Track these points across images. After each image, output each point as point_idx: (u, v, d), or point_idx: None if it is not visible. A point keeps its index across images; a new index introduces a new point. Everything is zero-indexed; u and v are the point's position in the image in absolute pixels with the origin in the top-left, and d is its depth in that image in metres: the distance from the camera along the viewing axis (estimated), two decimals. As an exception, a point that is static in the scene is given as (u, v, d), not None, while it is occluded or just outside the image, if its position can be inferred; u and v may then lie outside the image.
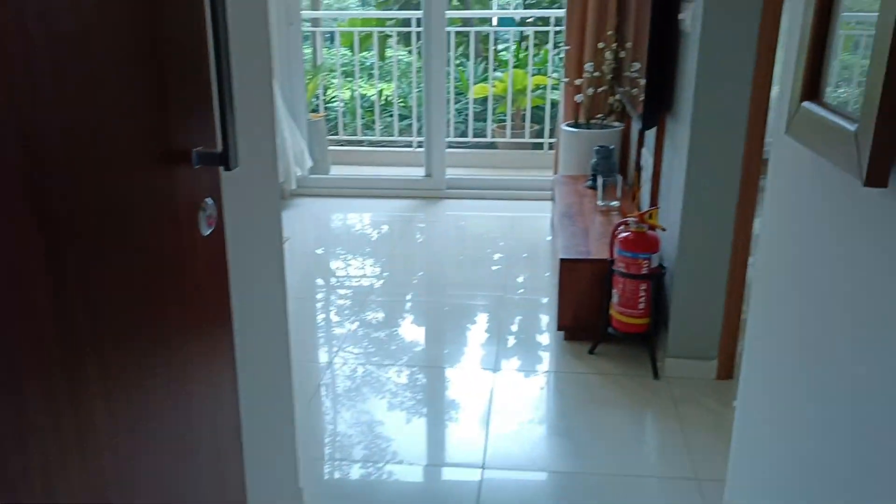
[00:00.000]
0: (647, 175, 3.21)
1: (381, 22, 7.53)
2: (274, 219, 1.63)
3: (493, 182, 5.02)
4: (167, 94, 1.03)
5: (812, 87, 1.27)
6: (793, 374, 1.41)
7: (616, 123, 4.23)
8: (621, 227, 2.70)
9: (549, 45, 5.88)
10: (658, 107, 2.87)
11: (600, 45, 4.09)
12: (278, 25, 4.74)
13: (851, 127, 1.05)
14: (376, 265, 3.95)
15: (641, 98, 3.13)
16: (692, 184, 2.50)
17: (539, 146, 5.97)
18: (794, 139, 1.32)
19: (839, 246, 1.22)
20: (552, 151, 5.79)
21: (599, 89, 4.14)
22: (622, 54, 3.94)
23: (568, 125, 4.25)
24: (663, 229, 2.63)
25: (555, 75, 6.02)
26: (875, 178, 1.00)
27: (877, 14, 1.00)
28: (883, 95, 0.97)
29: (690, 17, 2.53)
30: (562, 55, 6.18)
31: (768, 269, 1.59)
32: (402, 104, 6.78)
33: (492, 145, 6.13)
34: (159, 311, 1.02)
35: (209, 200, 1.10)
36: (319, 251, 4.17)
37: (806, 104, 1.27)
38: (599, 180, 3.43)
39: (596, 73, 4.11)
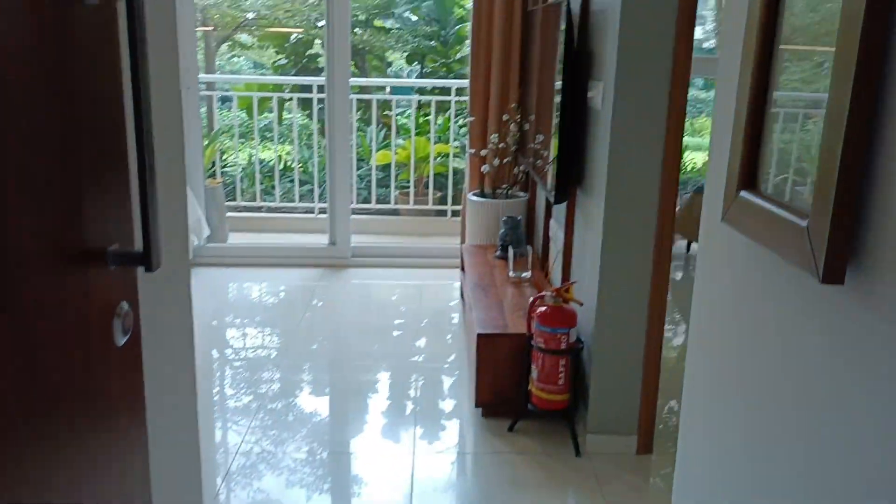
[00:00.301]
0: (557, 247, 3.23)
1: (278, 87, 7.44)
2: (186, 317, 1.50)
3: (399, 249, 4.95)
4: (79, 184, 0.90)
5: (749, 174, 1.28)
6: (734, 469, 1.38)
7: (521, 193, 4.28)
8: (538, 301, 2.67)
9: (451, 114, 5.96)
10: (569, 182, 2.90)
11: (504, 117, 4.16)
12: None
13: (802, 222, 1.05)
14: (275, 336, 3.76)
15: (548, 170, 3.17)
16: (608, 258, 2.52)
17: (443, 213, 5.98)
18: (732, 227, 1.33)
19: (783, 337, 1.21)
20: (456, 219, 5.81)
21: (504, 160, 4.19)
22: (526, 126, 4.02)
23: (474, 195, 4.26)
24: (580, 304, 2.63)
25: (455, 143, 6.09)
26: (832, 275, 0.99)
27: (824, 96, 1.00)
28: (838, 189, 0.97)
29: (600, 96, 2.58)
30: (464, 124, 6.29)
31: (702, 358, 1.58)
32: (302, 169, 6.66)
33: (395, 212, 6.09)
34: (65, 439, 0.88)
35: (125, 305, 0.97)
36: (214, 322, 3.94)
37: (745, 194, 1.27)
38: (510, 252, 3.43)
39: (501, 144, 4.16)
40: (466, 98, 6.04)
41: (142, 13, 0.98)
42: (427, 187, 6.13)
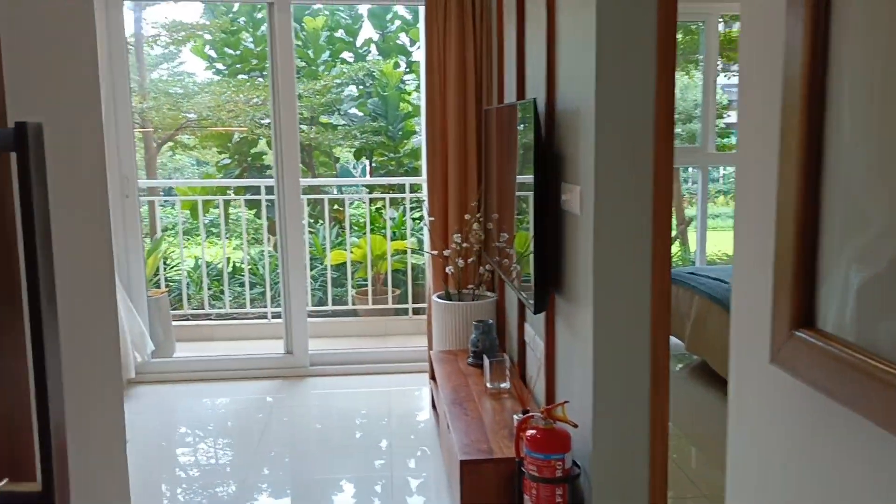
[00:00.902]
0: (538, 356, 3.03)
1: (222, 190, 7.22)
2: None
3: (361, 355, 4.68)
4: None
5: (805, 308, 1.10)
6: None
7: (489, 293, 4.09)
8: (526, 423, 2.44)
9: (406, 209, 5.81)
10: (546, 290, 2.73)
11: (466, 216, 4.01)
12: (112, 199, 4.30)
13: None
14: (228, 457, 3.42)
15: (514, 270, 3.00)
16: (602, 373, 2.32)
17: (404, 311, 5.75)
18: (786, 372, 1.14)
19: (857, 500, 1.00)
20: (418, 317, 5.58)
21: (469, 260, 4.02)
22: (489, 226, 3.87)
23: (439, 297, 4.06)
24: (574, 425, 2.41)
25: (412, 240, 5.92)
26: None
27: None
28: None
29: (577, 200, 2.44)
30: (418, 218, 6.18)
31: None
32: (251, 270, 6.39)
33: (354, 312, 5.83)
34: None
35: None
36: (163, 443, 3.57)
37: (802, 333, 1.09)
38: (486, 362, 3.20)
39: (464, 244, 4.00)
40: (421, 194, 5.95)
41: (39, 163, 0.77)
42: (385, 285, 5.90)
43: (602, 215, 2.28)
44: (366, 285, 5.96)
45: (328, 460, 3.47)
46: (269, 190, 5.02)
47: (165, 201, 7.48)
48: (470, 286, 4.06)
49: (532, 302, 2.70)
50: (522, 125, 2.94)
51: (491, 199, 3.88)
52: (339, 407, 4.11)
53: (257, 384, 4.45)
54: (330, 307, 5.66)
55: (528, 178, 2.79)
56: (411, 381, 4.47)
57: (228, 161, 8.53)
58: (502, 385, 3.18)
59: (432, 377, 3.89)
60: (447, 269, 4.02)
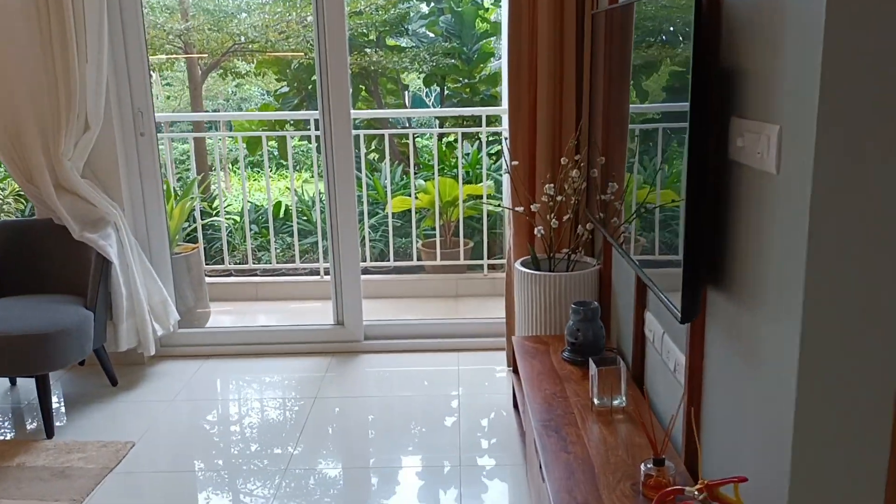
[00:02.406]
0: (667, 364, 2.10)
1: (272, 124, 6.37)
2: None
3: (426, 328, 3.83)
4: None
5: None
6: None
7: (589, 260, 3.15)
8: (673, 498, 1.55)
9: (482, 148, 4.86)
10: (699, 283, 1.78)
11: (563, 160, 3.04)
12: (122, 138, 3.51)
13: None
14: (263, 462, 2.66)
15: (643, 240, 2.07)
16: (807, 434, 1.39)
17: (477, 268, 4.87)
18: None
19: None
20: (494, 275, 4.70)
21: (564, 217, 3.08)
22: (593, 173, 2.91)
23: (523, 264, 3.15)
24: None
25: (489, 182, 4.98)
26: None
27: None
28: None
29: (771, 148, 1.47)
30: (497, 156, 5.20)
31: None
32: (305, 217, 5.60)
33: (419, 269, 4.99)
34: None
35: None
36: (188, 432, 2.85)
37: None
38: (592, 368, 2.30)
39: (559, 197, 3.05)
40: (499, 129, 4.98)
41: None
42: (456, 236, 5.02)
43: (828, 176, 1.31)
44: (433, 236, 5.10)
45: (375, 480, 2.67)
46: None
47: (209, 139, 6.74)
48: (564, 251, 3.13)
49: (677, 304, 1.76)
50: (666, 27, 1.95)
51: (596, 138, 2.90)
52: (394, 399, 3.30)
53: (300, 362, 3.69)
54: (391, 262, 4.83)
55: (675, 107, 1.83)
56: (486, 360, 3.62)
57: (287, 89, 7.70)
58: (616, 401, 2.28)
59: (514, 370, 3.02)
60: (536, 231, 3.08)
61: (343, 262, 3.71)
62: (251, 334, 3.83)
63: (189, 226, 4.72)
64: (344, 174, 3.60)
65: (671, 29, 1.94)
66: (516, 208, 3.18)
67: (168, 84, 9.66)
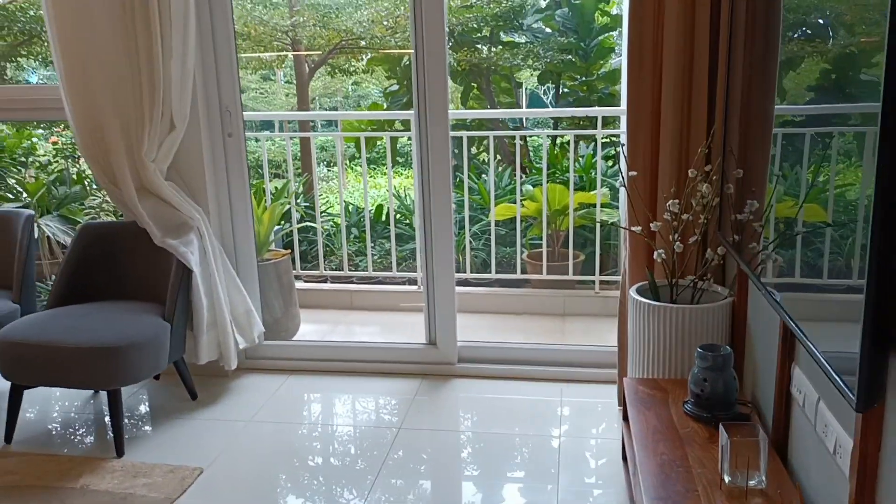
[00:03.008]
0: (823, 442, 1.63)
1: (381, 123, 6.15)
2: None
3: (528, 353, 3.45)
4: None
5: None
6: None
7: (719, 289, 2.67)
8: None
9: (597, 150, 4.42)
10: (887, 348, 1.31)
11: (691, 172, 2.58)
12: (209, 138, 3.33)
13: None
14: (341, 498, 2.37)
15: (768, 259, 1.61)
16: None
17: (587, 283, 4.44)
18: None
19: None
20: (607, 293, 4.25)
21: (691, 239, 2.62)
22: (728, 188, 2.43)
23: (640, 291, 2.70)
24: None
25: (604, 190, 4.52)
26: None
27: None
28: None
29: None
30: (613, 160, 4.73)
31: None
32: (406, 222, 5.33)
33: (524, 282, 4.61)
34: None
35: None
36: (255, 481, 2.61)
37: None
38: (722, 437, 1.85)
39: (685, 216, 2.59)
40: (617, 130, 4.51)
41: None
42: (566, 247, 4.60)
43: None
44: (540, 246, 4.69)
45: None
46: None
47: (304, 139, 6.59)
48: (689, 278, 2.67)
49: (850, 380, 1.31)
50: (832, 6, 1.50)
51: (732, 146, 2.43)
52: (487, 436, 2.93)
53: (388, 383, 3.39)
54: (493, 274, 4.47)
55: (850, 107, 1.38)
56: (594, 394, 3.21)
57: (396, 87, 7.49)
58: (752, 482, 1.82)
59: (624, 416, 2.59)
60: (655, 254, 2.63)
61: (436, 275, 3.38)
62: (338, 350, 3.57)
63: (281, 228, 4.54)
64: (440, 178, 3.27)
65: (840, 10, 1.47)
66: (633, 228, 2.73)
67: (288, 82, 9.69)
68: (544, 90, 9.40)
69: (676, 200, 2.59)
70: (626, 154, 2.76)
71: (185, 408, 3.20)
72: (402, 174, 9.16)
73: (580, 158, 5.12)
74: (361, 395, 3.31)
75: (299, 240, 4.93)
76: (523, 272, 4.53)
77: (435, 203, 3.30)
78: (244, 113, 3.40)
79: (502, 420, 3.04)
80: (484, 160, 6.96)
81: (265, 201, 3.80)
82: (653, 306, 2.57)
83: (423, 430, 2.98)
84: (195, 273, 3.11)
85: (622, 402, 2.72)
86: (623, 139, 2.86)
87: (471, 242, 4.75)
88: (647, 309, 2.59)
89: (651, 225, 2.65)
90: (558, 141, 6.61)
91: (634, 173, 2.74)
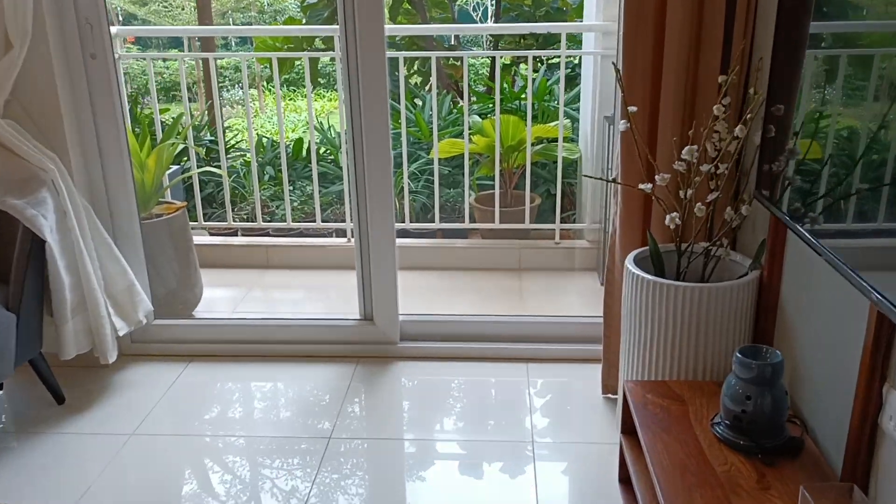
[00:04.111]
0: None
1: (299, 42, 5.26)
2: None
3: (484, 326, 2.83)
4: None
5: None
6: None
7: (739, 258, 2.08)
8: None
9: (560, 76, 3.74)
10: None
11: (718, 108, 1.93)
12: (68, 62, 2.49)
13: None
14: None
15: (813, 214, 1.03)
16: None
17: (547, 233, 3.82)
18: None
19: None
20: (569, 244, 3.66)
21: (709, 197, 1.99)
22: (770, 130, 1.81)
23: (637, 262, 2.09)
24: None
25: (566, 122, 3.84)
26: None
27: None
28: None
29: None
30: (569, 88, 4.00)
31: None
32: (328, 157, 4.57)
33: (471, 231, 3.95)
34: None
35: None
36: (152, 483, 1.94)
37: None
38: (806, 498, 1.28)
39: (706, 166, 1.95)
40: (578, 51, 3.81)
41: None
42: (520, 188, 3.96)
43: None
44: (490, 188, 4.04)
45: None
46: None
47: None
48: (702, 245, 2.07)
49: None
50: None
51: (763, 71, 1.79)
52: (436, 444, 2.33)
53: (314, 370, 2.74)
54: (437, 223, 3.79)
55: None
56: (570, 375, 2.64)
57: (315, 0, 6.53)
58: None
59: (623, 429, 2.01)
60: (668, 218, 1.99)
61: (372, 232, 2.69)
62: (250, 329, 2.87)
63: (179, 168, 3.71)
64: (374, 109, 2.55)
65: None
66: (641, 186, 2.07)
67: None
68: (474, 5, 8.54)
69: (695, 147, 1.95)
70: (621, 81, 2.09)
71: (48, 417, 2.47)
72: (324, 96, 8.27)
73: (533, 80, 4.42)
74: (282, 387, 2.64)
75: (204, 182, 4.13)
76: (471, 220, 3.88)
77: (369, 141, 2.58)
78: (129, 27, 2.56)
79: (458, 416, 2.43)
80: (416, 83, 6.18)
81: (149, 143, 2.98)
82: (659, 285, 1.95)
83: (360, 439, 2.34)
84: (50, 243, 2.33)
85: (623, 417, 2.14)
86: (619, 56, 2.17)
87: (409, 185, 4.04)
88: (650, 288, 1.97)
89: (657, 178, 2.01)
90: (499, 63, 5.87)
91: (634, 108, 2.08)
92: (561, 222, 3.70)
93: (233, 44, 8.51)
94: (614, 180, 2.22)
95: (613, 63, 2.11)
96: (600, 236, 3.54)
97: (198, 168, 3.78)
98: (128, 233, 2.73)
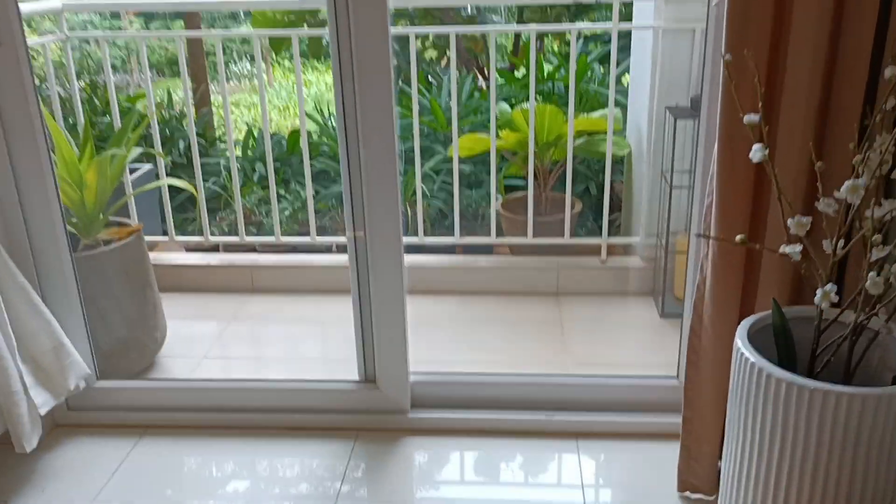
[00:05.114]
0: None
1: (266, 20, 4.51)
2: None
3: (517, 390, 2.18)
4: None
5: None
6: None
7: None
8: None
9: (612, 56, 3.04)
10: None
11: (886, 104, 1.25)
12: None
13: None
14: None
15: None
16: None
17: (592, 249, 3.15)
18: None
19: None
20: (618, 259, 3.01)
21: (874, 254, 1.31)
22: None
23: (752, 335, 1.42)
24: None
25: (617, 110, 3.15)
26: None
27: None
28: None
29: None
30: (605, 70, 3.23)
31: None
32: (326, 149, 3.90)
33: (498, 247, 3.28)
34: None
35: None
36: None
37: None
38: None
39: (861, 181, 1.28)
40: (634, 25, 3.07)
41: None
42: (558, 190, 3.29)
43: None
44: (519, 189, 3.37)
45: None
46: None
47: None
48: (851, 313, 1.39)
49: None
50: None
51: None
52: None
53: (304, 448, 2.12)
54: (457, 237, 3.13)
55: None
56: (633, 455, 2.00)
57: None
58: None
59: None
60: (819, 295, 1.31)
61: (374, 264, 2.05)
62: (218, 394, 2.23)
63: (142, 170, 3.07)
64: (375, 93, 1.89)
65: None
66: (788, 250, 1.39)
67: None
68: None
69: (859, 181, 1.26)
70: (727, 54, 1.40)
71: (-54, 527, 1.87)
72: (318, 69, 7.47)
73: (583, 70, 3.71)
74: (260, 469, 2.02)
75: (175, 198, 3.50)
76: (498, 231, 3.21)
77: (366, 129, 1.92)
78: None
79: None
80: (430, 59, 5.48)
81: (89, 152, 2.33)
82: (793, 386, 1.29)
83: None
84: (-70, 303, 1.70)
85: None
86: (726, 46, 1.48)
87: (422, 189, 3.37)
88: (776, 388, 1.31)
89: (791, 223, 1.33)
90: (534, 39, 5.14)
91: (756, 117, 1.39)
92: (608, 235, 3.03)
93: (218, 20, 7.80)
94: (729, 240, 1.53)
95: (724, 57, 1.41)
96: (657, 252, 2.87)
97: (172, 169, 3.14)
98: (55, 272, 2.09)
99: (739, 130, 1.41)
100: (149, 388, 2.26)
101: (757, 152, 1.27)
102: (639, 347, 2.62)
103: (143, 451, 2.11)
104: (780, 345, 1.42)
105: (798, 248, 1.25)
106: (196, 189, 2.87)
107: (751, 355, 1.38)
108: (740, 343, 1.43)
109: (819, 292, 1.25)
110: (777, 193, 1.34)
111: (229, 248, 3.28)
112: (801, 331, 1.47)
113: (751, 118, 1.34)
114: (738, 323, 1.50)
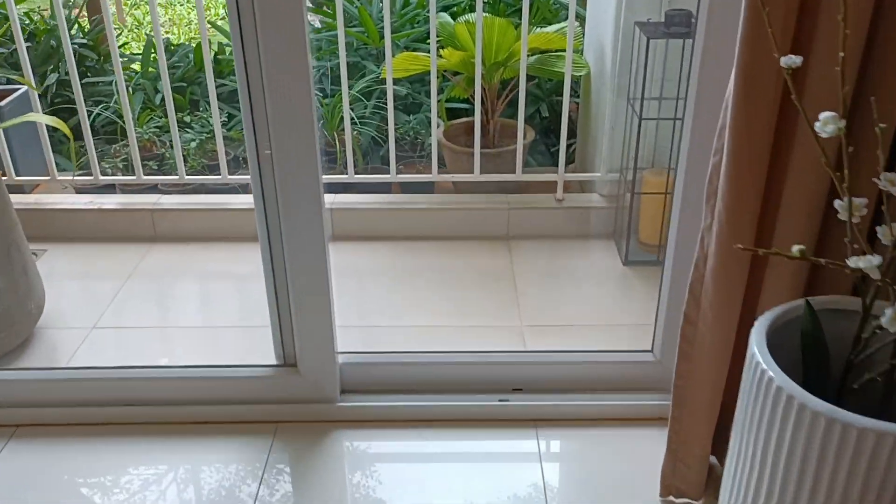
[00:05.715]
0: None
1: None
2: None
3: (473, 370, 1.85)
4: None
5: None
6: None
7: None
8: None
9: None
10: None
11: None
12: None
13: None
14: None
15: None
16: None
17: (545, 185, 2.77)
18: None
19: None
20: (589, 199, 2.67)
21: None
22: None
23: (771, 335, 1.10)
24: None
25: (577, 25, 2.71)
26: None
27: None
28: None
29: None
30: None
31: None
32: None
33: (439, 184, 2.88)
34: None
35: None
36: None
37: None
38: None
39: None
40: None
41: None
42: (506, 116, 2.89)
43: None
44: (463, 114, 2.95)
45: None
46: None
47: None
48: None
49: None
50: None
51: None
52: None
53: (212, 447, 1.76)
54: (392, 174, 2.71)
55: None
56: (603, 447, 1.71)
57: None
58: None
59: None
60: (888, 316, 0.97)
61: (286, 218, 1.65)
62: (105, 384, 1.83)
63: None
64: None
65: None
66: (861, 265, 1.06)
67: None
68: None
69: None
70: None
71: None
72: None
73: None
74: (161, 474, 1.66)
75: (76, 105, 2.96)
76: (440, 163, 2.81)
77: (267, 40, 1.48)
78: None
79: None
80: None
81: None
82: (823, 418, 0.98)
83: None
84: None
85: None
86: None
87: (351, 113, 2.91)
88: (799, 413, 1.01)
89: (881, 181, 0.99)
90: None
91: (798, 60, 1.02)
92: (566, 168, 2.67)
93: None
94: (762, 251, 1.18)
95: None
96: (621, 189, 2.54)
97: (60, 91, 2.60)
98: None
99: (764, 69, 1.04)
100: (20, 379, 1.84)
101: (829, 123, 0.90)
102: (601, 303, 2.31)
103: (10, 456, 1.73)
104: (810, 355, 1.11)
105: (876, 261, 0.90)
106: (67, 122, 2.36)
107: (773, 372, 1.06)
108: (757, 351, 1.11)
109: (889, 312, 0.92)
110: (830, 162, 0.98)
111: (127, 188, 2.79)
112: (828, 325, 1.16)
113: (790, 60, 0.97)
114: (742, 311, 1.19)
